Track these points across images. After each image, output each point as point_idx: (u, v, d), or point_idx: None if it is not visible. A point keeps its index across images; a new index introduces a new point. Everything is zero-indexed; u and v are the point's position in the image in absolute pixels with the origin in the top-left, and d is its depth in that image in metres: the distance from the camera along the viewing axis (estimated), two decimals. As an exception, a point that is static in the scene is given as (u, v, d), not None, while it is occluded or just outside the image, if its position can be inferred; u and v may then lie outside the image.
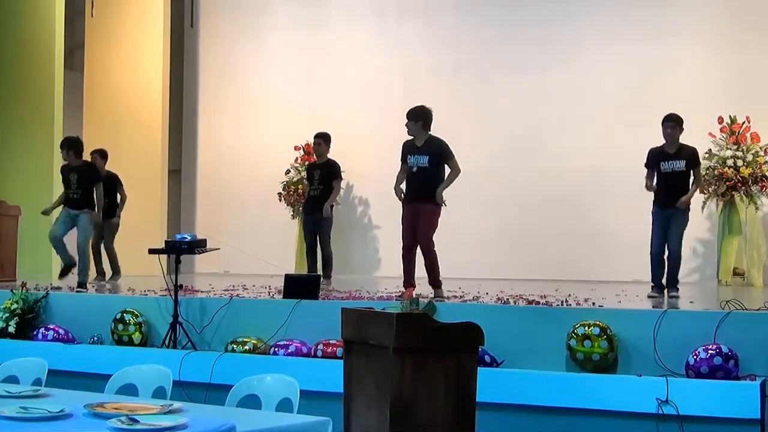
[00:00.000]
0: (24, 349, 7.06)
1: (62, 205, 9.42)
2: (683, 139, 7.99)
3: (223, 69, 14.41)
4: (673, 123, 7.86)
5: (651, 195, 7.93)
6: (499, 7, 12.68)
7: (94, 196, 9.37)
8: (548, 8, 12.35)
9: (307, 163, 12.00)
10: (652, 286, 7.87)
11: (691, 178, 7.89)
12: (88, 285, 9.09)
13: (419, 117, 7.84)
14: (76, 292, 8.60)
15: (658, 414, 5.38)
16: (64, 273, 9.25)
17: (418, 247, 7.74)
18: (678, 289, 7.79)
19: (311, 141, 12.94)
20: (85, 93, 13.93)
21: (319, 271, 9.66)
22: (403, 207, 7.82)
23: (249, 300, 7.50)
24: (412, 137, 7.90)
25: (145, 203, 13.18)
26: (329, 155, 10.18)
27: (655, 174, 7.93)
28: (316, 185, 9.92)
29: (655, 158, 7.92)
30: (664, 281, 7.86)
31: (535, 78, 12.21)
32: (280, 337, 6.87)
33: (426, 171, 7.70)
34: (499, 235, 12.17)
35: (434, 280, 7.69)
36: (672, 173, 7.82)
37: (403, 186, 7.80)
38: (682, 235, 7.86)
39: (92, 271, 10.65)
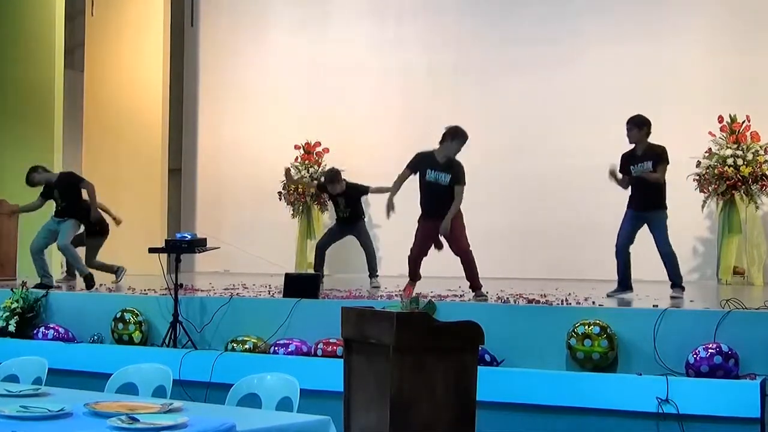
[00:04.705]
0: (24, 348, 7.06)
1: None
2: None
3: (223, 68, 14.40)
4: (629, 125, 7.76)
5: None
6: (499, 6, 12.67)
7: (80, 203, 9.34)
8: (548, 8, 12.35)
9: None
10: (618, 282, 7.75)
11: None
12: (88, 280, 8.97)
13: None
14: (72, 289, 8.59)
15: (658, 413, 5.38)
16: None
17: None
18: (683, 288, 7.68)
19: (311, 140, 13.00)
20: (85, 92, 13.93)
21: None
22: (420, 221, 7.78)
23: (249, 299, 7.50)
24: (431, 150, 7.79)
25: (145, 202, 13.18)
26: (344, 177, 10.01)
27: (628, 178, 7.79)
28: (345, 208, 9.84)
29: (625, 162, 7.82)
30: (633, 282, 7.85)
31: (535, 78, 12.20)
32: (281, 336, 6.87)
33: (445, 190, 7.66)
34: (498, 234, 12.16)
35: (476, 283, 7.66)
36: (639, 175, 7.70)
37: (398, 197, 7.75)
38: (667, 233, 7.79)
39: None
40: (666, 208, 7.83)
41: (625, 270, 7.80)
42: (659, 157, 7.72)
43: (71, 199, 9.28)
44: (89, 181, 9.39)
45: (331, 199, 10.18)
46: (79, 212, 9.31)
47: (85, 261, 10.16)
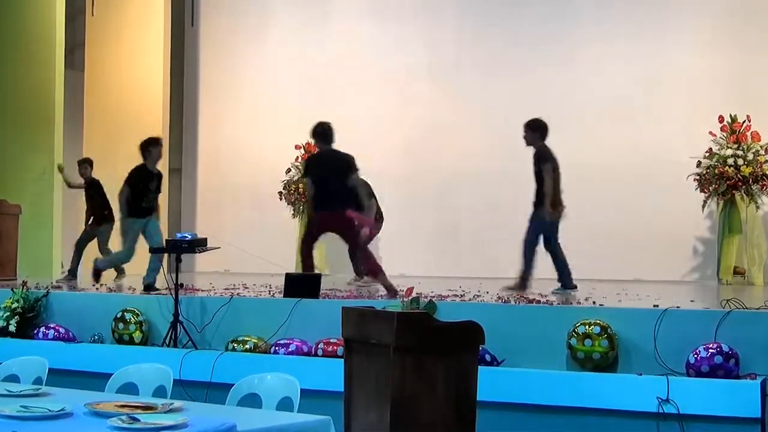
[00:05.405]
0: (25, 348, 7.06)
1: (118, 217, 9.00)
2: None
3: (223, 68, 14.40)
4: (524, 128, 8.35)
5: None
6: (500, 6, 12.68)
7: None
8: (549, 8, 12.35)
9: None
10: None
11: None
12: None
13: None
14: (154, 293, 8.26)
15: (659, 413, 5.38)
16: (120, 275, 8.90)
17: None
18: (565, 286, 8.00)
19: (312, 140, 12.99)
20: (86, 92, 13.92)
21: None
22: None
23: (249, 299, 7.50)
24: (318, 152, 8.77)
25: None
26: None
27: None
28: None
29: None
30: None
31: (536, 77, 12.20)
32: (281, 336, 6.87)
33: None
34: (499, 234, 12.15)
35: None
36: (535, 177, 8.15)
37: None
38: (534, 233, 8.22)
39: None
40: (543, 205, 8.08)
41: (558, 269, 8.05)
42: (536, 157, 8.15)
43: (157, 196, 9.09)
44: None
45: None
46: None
47: (99, 248, 10.59)
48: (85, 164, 11.02)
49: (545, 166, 8.07)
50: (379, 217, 9.96)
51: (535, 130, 8.25)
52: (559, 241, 8.11)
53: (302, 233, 8.77)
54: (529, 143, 8.26)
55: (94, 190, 10.77)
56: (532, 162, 8.18)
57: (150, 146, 9.05)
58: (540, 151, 8.17)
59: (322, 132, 8.53)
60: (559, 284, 8.08)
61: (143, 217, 8.86)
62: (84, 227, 10.86)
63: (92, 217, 10.75)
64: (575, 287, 8.04)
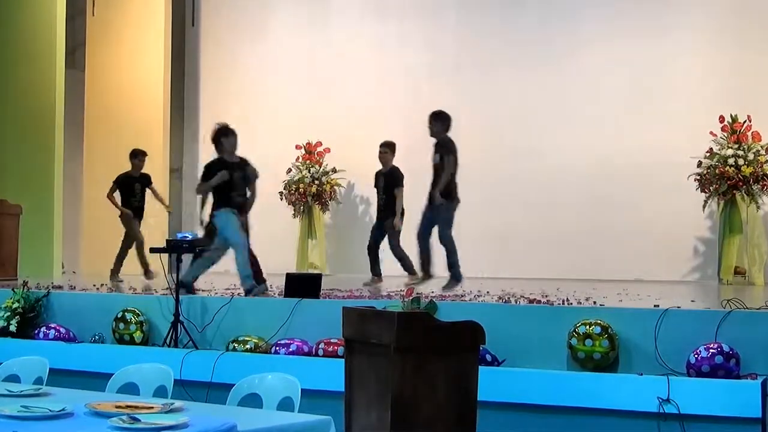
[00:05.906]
0: (25, 348, 7.05)
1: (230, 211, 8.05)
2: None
3: (223, 68, 14.41)
4: (432, 120, 8.31)
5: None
6: (500, 6, 12.68)
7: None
8: (550, 6, 12.35)
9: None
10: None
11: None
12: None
13: None
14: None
15: (659, 413, 5.38)
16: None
17: None
18: (455, 278, 8.11)
19: (312, 140, 13.00)
20: (86, 92, 13.93)
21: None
22: None
23: (250, 299, 7.50)
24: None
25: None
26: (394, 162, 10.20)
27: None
28: (381, 194, 10.06)
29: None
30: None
31: (537, 76, 12.20)
32: (282, 336, 6.87)
33: None
34: (500, 234, 12.17)
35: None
36: (433, 166, 8.21)
37: None
38: (448, 225, 8.19)
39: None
40: (452, 199, 8.17)
41: (422, 257, 8.26)
42: (439, 147, 8.18)
43: None
44: None
45: (375, 179, 10.22)
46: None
47: (137, 246, 10.73)
48: (142, 156, 10.92)
49: (448, 157, 8.14)
50: (402, 211, 9.90)
51: (443, 121, 8.31)
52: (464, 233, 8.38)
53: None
54: (433, 134, 8.31)
55: (148, 183, 10.91)
56: (433, 151, 8.25)
57: (221, 136, 8.19)
58: (444, 141, 8.24)
59: (230, 131, 8.22)
60: (450, 277, 8.17)
61: (238, 210, 8.14)
62: (125, 222, 10.91)
63: (137, 211, 10.86)
64: (461, 279, 8.18)
